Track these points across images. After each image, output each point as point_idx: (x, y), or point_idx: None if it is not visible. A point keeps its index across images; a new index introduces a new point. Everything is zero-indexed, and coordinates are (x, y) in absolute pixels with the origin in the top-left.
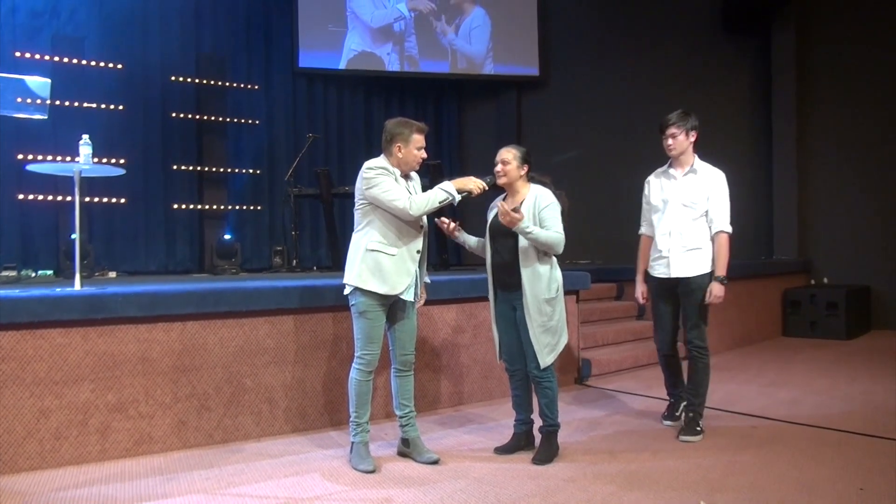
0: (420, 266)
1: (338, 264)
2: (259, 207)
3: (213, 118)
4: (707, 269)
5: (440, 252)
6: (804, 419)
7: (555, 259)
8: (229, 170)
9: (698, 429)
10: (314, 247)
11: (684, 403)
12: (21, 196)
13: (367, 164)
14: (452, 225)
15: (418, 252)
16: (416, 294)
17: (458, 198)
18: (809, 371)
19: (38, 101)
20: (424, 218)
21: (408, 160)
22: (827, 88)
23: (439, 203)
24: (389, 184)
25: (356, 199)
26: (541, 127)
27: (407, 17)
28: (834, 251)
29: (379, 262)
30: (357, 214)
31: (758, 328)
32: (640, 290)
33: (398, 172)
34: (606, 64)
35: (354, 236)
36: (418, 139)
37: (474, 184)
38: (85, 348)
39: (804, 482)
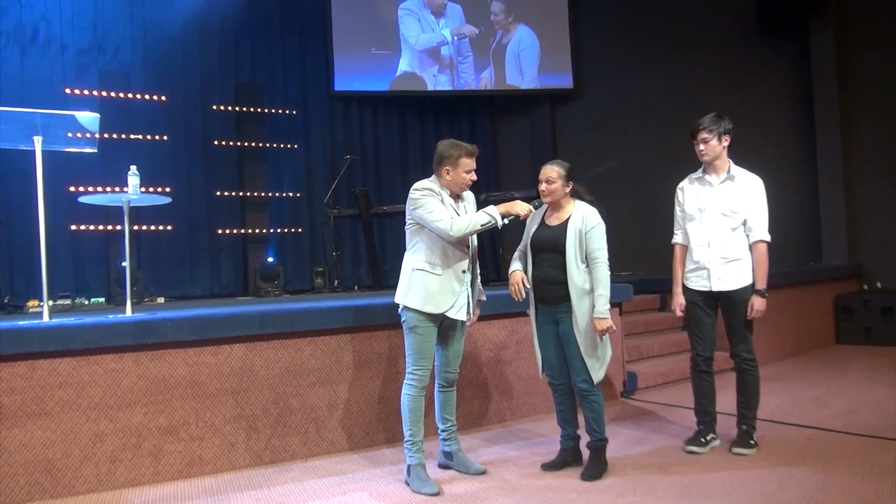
0: (472, 286)
1: (379, 284)
2: (300, 230)
3: (253, 144)
4: (749, 281)
5: (480, 268)
6: (863, 429)
7: None
8: (270, 194)
9: (752, 442)
10: (355, 267)
11: (711, 435)
12: (73, 227)
13: (415, 185)
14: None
15: (464, 272)
16: (468, 313)
17: (500, 222)
18: (866, 379)
19: (88, 136)
20: (474, 239)
21: (456, 182)
22: (870, 87)
23: (481, 226)
24: (433, 205)
25: (406, 219)
26: (576, 139)
27: (451, 42)
28: (887, 254)
29: (425, 282)
30: (407, 234)
31: (809, 336)
32: (679, 302)
33: (447, 193)
34: (641, 73)
35: (405, 255)
36: (467, 163)
37: (520, 208)
38: (137, 373)
39: (866, 495)
